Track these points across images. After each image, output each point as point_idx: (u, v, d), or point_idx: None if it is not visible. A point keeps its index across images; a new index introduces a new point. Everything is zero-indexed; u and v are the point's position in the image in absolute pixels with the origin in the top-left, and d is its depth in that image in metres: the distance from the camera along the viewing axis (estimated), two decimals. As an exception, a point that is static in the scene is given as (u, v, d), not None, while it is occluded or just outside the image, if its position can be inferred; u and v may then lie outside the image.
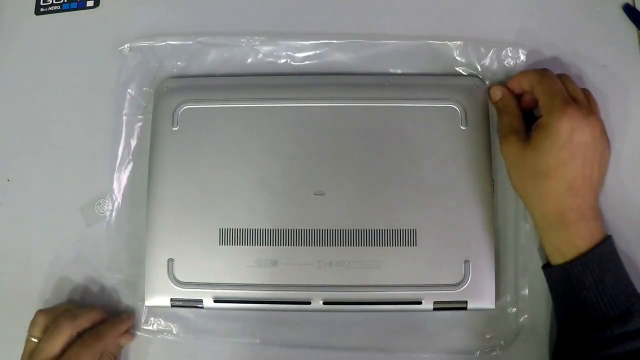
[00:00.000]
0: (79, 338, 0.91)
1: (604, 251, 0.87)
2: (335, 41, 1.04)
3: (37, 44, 1.10)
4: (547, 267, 0.93)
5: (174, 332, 0.98)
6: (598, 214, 0.91)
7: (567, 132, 0.87)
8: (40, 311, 0.94)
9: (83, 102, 1.07)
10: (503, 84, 1.00)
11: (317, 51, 1.04)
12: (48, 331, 0.90)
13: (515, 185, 0.94)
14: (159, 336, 0.99)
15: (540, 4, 1.07)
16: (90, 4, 1.10)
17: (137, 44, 1.05)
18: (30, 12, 1.11)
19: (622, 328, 0.84)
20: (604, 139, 0.91)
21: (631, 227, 0.99)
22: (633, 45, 1.05)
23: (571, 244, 0.88)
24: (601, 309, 0.85)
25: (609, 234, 0.90)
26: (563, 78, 0.95)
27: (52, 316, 0.92)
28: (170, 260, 0.95)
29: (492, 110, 1.01)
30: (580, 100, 0.91)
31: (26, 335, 0.92)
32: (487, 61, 1.02)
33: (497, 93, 0.99)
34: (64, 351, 0.89)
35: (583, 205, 0.88)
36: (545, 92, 0.91)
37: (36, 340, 0.91)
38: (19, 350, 0.92)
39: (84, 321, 0.92)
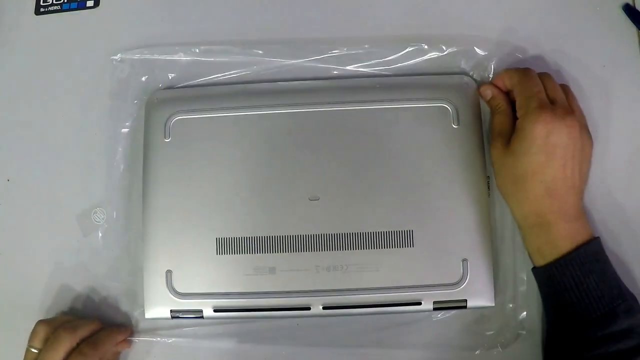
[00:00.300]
0: (77, 348, 0.90)
1: (587, 252, 0.86)
2: (325, 46, 1.04)
3: (37, 44, 1.11)
4: (534, 267, 0.92)
5: (173, 334, 0.98)
6: (581, 214, 0.90)
7: (542, 136, 0.87)
8: (40, 322, 0.93)
9: (83, 103, 1.07)
10: (491, 82, 0.99)
11: (307, 57, 1.04)
12: (48, 342, 0.90)
13: (499, 187, 0.94)
14: (158, 338, 0.99)
15: (540, 4, 1.07)
16: (90, 4, 1.11)
17: (129, 56, 1.06)
18: (30, 12, 1.12)
19: (605, 329, 0.83)
20: (583, 137, 0.90)
21: (626, 227, 0.99)
22: (633, 45, 1.05)
23: (552, 245, 0.87)
24: (583, 310, 0.85)
25: (597, 235, 0.89)
26: (543, 77, 0.94)
27: (52, 327, 0.92)
28: (169, 272, 0.95)
29: (484, 108, 1.00)
30: (559, 100, 0.91)
31: (26, 345, 0.92)
32: (481, 60, 1.02)
33: (487, 92, 0.98)
34: None
35: (564, 207, 0.88)
36: (522, 94, 0.92)
37: (36, 351, 0.91)
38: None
39: (83, 332, 0.93)
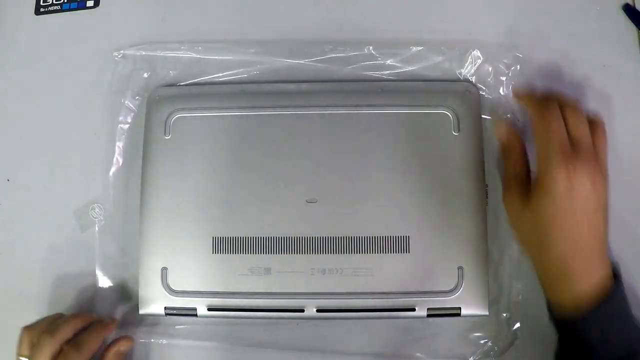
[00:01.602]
0: (61, 352, 0.89)
1: (611, 306, 0.82)
2: (327, 47, 1.02)
3: (37, 44, 1.09)
4: (551, 312, 0.88)
5: (170, 336, 0.98)
6: (606, 262, 0.84)
7: (566, 188, 0.80)
8: (24, 328, 0.92)
9: (82, 103, 1.05)
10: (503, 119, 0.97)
11: (309, 58, 1.02)
12: (33, 350, 0.89)
13: (517, 236, 0.91)
14: (154, 341, 0.98)
15: (539, 4, 1.05)
16: (90, 4, 1.09)
17: (131, 52, 1.04)
18: (30, 12, 1.10)
19: None
20: (604, 183, 0.84)
21: (626, 226, 0.98)
22: (633, 45, 1.03)
23: (576, 300, 0.82)
24: (606, 357, 0.81)
25: (617, 274, 0.85)
26: (567, 110, 0.86)
27: (37, 332, 0.90)
28: (164, 269, 0.94)
29: (485, 116, 0.99)
30: (583, 141, 0.84)
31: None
32: (481, 65, 1.00)
33: (502, 131, 0.94)
34: None
35: (589, 256, 0.83)
36: (541, 136, 0.84)
37: (25, 359, 0.90)
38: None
39: (65, 332, 0.90)
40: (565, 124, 0.84)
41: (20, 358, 0.90)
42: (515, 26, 1.04)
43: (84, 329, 0.93)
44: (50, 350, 0.87)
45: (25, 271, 1.02)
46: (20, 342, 0.90)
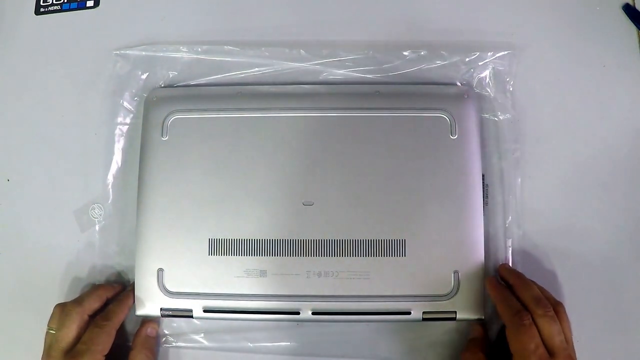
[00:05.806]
0: (92, 321, 0.89)
1: None
2: (324, 50, 1.00)
3: (37, 44, 1.07)
4: None
5: (170, 339, 0.96)
6: None
7: None
8: (57, 305, 0.91)
9: (82, 102, 1.03)
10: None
11: (307, 61, 1.00)
12: (60, 320, 0.89)
13: None
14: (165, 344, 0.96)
15: (539, 4, 1.03)
16: (90, 4, 1.07)
17: (130, 52, 1.02)
18: (30, 12, 1.08)
19: None
20: None
21: (626, 227, 0.96)
22: (633, 45, 1.02)
23: None
24: None
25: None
26: (539, 320, 0.82)
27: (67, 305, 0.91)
28: (160, 270, 0.92)
29: (483, 120, 0.97)
30: (557, 348, 0.80)
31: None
32: (479, 67, 0.98)
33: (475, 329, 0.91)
34: (79, 337, 0.88)
35: None
36: (518, 352, 0.81)
37: (54, 332, 0.89)
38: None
39: (91, 302, 0.91)
40: (539, 332, 0.81)
41: (50, 331, 0.89)
42: (514, 27, 1.01)
43: (106, 301, 0.95)
44: (78, 319, 0.89)
45: (25, 271, 1.00)
46: (51, 317, 0.90)
